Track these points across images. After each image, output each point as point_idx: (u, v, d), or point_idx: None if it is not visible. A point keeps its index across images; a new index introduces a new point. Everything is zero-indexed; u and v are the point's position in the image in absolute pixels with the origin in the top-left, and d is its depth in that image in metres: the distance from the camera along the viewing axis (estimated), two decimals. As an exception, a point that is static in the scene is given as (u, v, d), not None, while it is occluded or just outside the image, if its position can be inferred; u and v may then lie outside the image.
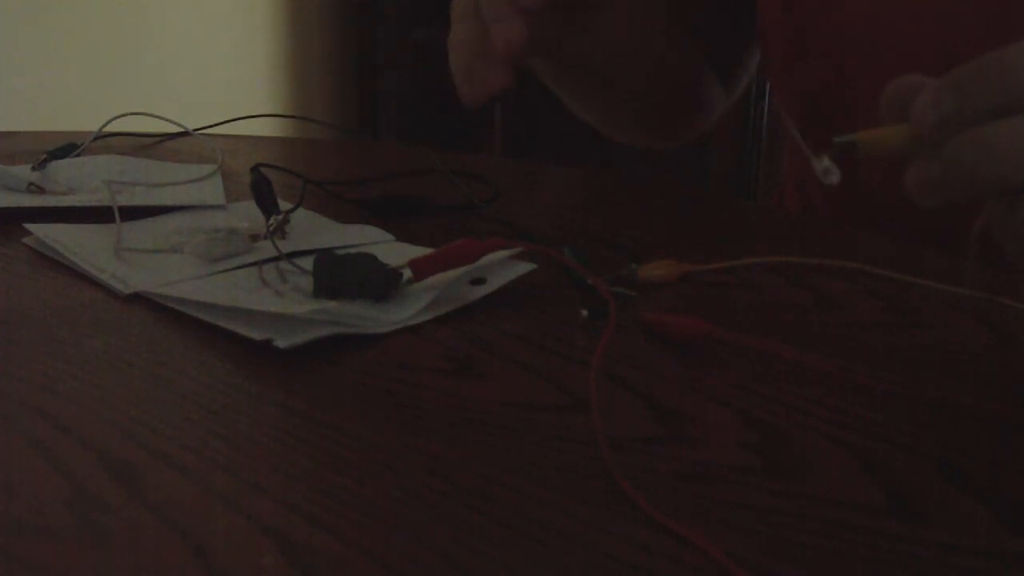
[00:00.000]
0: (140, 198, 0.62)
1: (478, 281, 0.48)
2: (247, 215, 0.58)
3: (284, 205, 0.56)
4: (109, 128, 0.81)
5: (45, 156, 0.70)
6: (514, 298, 0.48)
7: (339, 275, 0.45)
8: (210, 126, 0.84)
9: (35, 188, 0.64)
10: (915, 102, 0.31)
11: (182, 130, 0.84)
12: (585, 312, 0.45)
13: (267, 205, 0.55)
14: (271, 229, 0.53)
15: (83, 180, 0.66)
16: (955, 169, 0.30)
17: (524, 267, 0.49)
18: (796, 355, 0.41)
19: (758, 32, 0.67)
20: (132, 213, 0.58)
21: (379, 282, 0.45)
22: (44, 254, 0.53)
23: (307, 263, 0.48)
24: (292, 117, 1.78)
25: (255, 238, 0.53)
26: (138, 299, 0.47)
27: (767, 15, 0.65)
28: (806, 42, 0.61)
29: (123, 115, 0.81)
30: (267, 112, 1.82)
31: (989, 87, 0.30)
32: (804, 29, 0.61)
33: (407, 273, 0.46)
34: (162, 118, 0.83)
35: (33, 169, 0.68)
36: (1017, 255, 0.30)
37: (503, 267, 0.49)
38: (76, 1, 1.64)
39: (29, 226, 0.55)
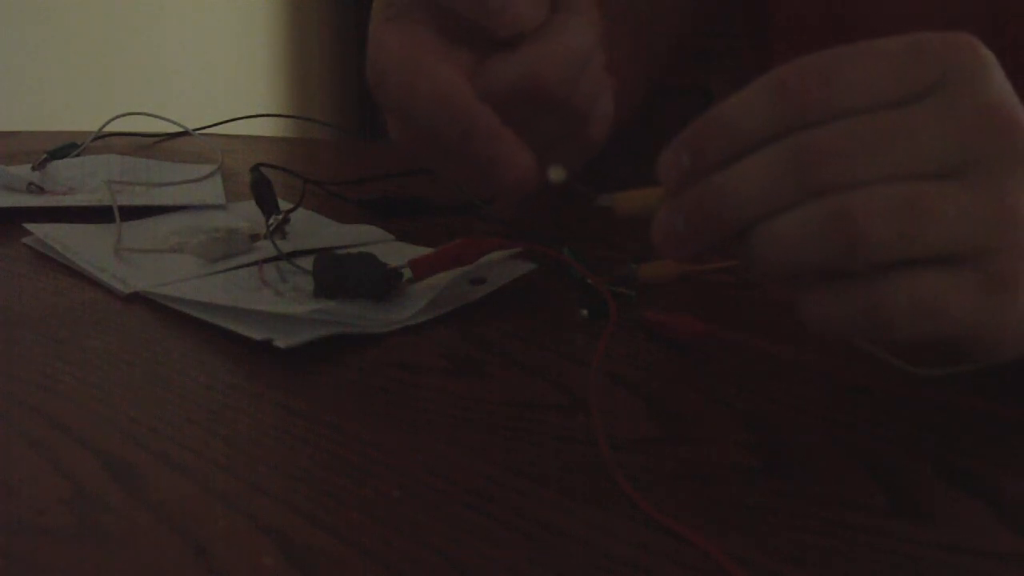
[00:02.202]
0: (140, 198, 0.62)
1: (478, 281, 0.48)
2: (247, 215, 0.58)
3: (284, 205, 0.56)
4: (109, 128, 0.81)
5: (45, 156, 0.70)
6: (514, 298, 0.48)
7: (339, 275, 0.45)
8: (210, 126, 0.84)
9: (35, 188, 0.64)
10: (659, 161, 0.33)
11: (182, 130, 0.84)
12: (585, 312, 0.45)
13: (267, 205, 0.55)
14: (271, 229, 0.53)
15: (83, 180, 0.67)
16: (695, 218, 0.32)
17: (524, 267, 0.49)
18: (796, 355, 0.41)
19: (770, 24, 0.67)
20: (132, 213, 0.58)
21: (379, 282, 0.45)
22: (44, 254, 0.53)
23: (307, 263, 0.48)
24: (292, 117, 1.78)
25: (255, 238, 0.53)
26: (138, 299, 0.47)
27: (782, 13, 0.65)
28: (810, 27, 0.61)
29: (123, 115, 0.81)
30: (267, 112, 1.82)
31: (716, 140, 0.32)
32: (808, 15, 0.61)
33: (407, 273, 0.46)
34: (162, 118, 0.83)
35: (33, 169, 0.68)
36: (760, 278, 0.33)
37: (503, 267, 0.49)
38: (76, 1, 1.64)
39: (29, 226, 0.55)
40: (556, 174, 0.39)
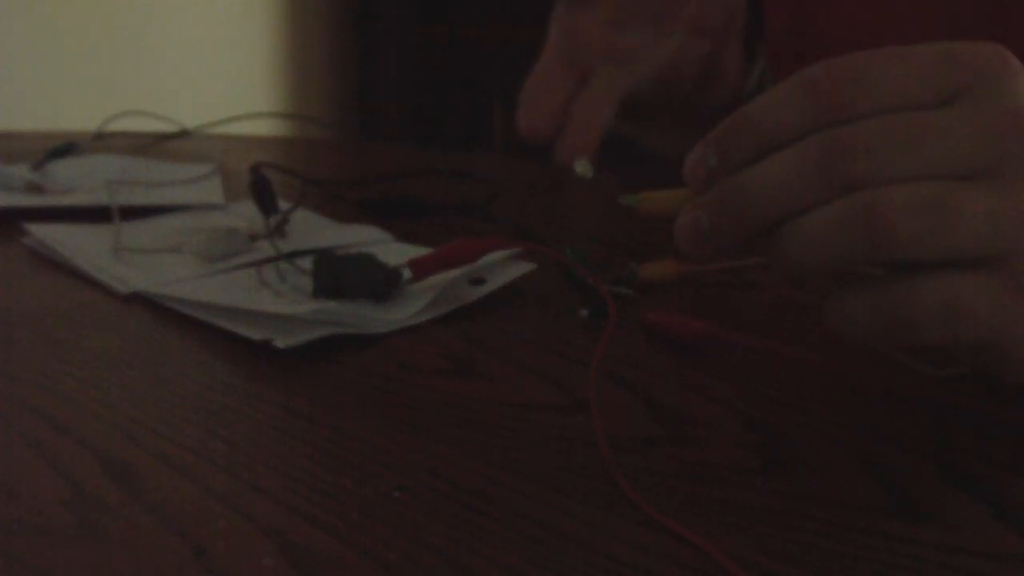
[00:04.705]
0: (139, 198, 0.62)
1: (478, 281, 0.48)
2: (246, 215, 0.58)
3: (283, 205, 0.56)
4: (108, 127, 0.81)
5: (44, 156, 0.70)
6: (514, 298, 0.48)
7: (339, 275, 0.45)
8: (209, 125, 0.84)
9: (34, 187, 0.64)
10: (685, 162, 0.34)
11: (181, 129, 0.84)
12: (585, 312, 0.45)
13: (266, 205, 0.55)
14: (271, 229, 0.53)
15: (82, 179, 0.67)
16: (720, 216, 0.32)
17: (524, 267, 0.49)
18: (796, 355, 0.41)
19: (763, 16, 0.67)
20: (131, 213, 0.58)
21: (379, 282, 0.45)
22: (43, 254, 0.53)
23: (307, 263, 0.48)
24: (292, 117, 1.78)
25: (254, 238, 0.53)
26: (137, 299, 0.47)
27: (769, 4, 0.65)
28: (805, 33, 0.61)
29: (122, 114, 0.81)
30: (267, 112, 1.82)
31: (742, 139, 0.32)
32: (802, 21, 0.62)
33: (407, 273, 0.46)
34: (161, 117, 0.83)
35: (32, 168, 0.68)
36: (782, 278, 0.34)
37: (503, 267, 0.49)
38: (76, 1, 1.64)
39: (28, 226, 0.55)
40: (582, 168, 0.39)
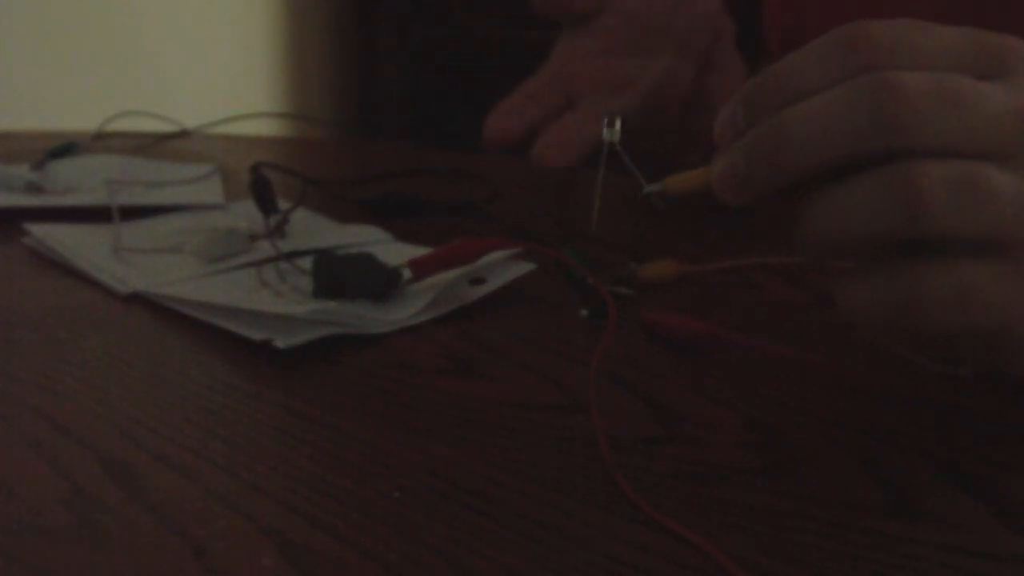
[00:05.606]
0: (139, 198, 0.62)
1: (478, 281, 0.48)
2: (246, 215, 0.58)
3: (283, 205, 0.56)
4: (108, 127, 0.81)
5: (44, 156, 0.70)
6: (514, 298, 0.47)
7: (339, 275, 0.45)
8: (209, 125, 0.84)
9: (34, 187, 0.64)
10: (716, 122, 0.33)
11: (181, 129, 0.84)
12: (585, 312, 0.45)
13: (266, 205, 0.55)
14: (271, 229, 0.53)
15: (82, 180, 0.67)
16: (758, 156, 0.32)
17: (524, 267, 0.49)
18: (796, 355, 0.41)
19: (759, 23, 0.67)
20: (131, 213, 0.58)
21: (379, 282, 0.45)
22: (43, 254, 0.53)
23: (307, 263, 0.48)
24: (292, 117, 1.78)
25: (254, 238, 0.53)
26: (137, 299, 0.47)
27: (768, 10, 0.66)
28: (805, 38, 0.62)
29: (122, 114, 0.81)
30: (266, 111, 1.82)
31: (773, 96, 0.32)
32: (802, 27, 0.62)
33: (407, 273, 0.46)
34: (161, 117, 0.83)
35: (32, 168, 0.68)
36: (808, 258, 0.34)
37: (503, 267, 0.49)
38: (76, 1, 1.64)
39: (28, 226, 0.55)
40: (610, 134, 0.38)
